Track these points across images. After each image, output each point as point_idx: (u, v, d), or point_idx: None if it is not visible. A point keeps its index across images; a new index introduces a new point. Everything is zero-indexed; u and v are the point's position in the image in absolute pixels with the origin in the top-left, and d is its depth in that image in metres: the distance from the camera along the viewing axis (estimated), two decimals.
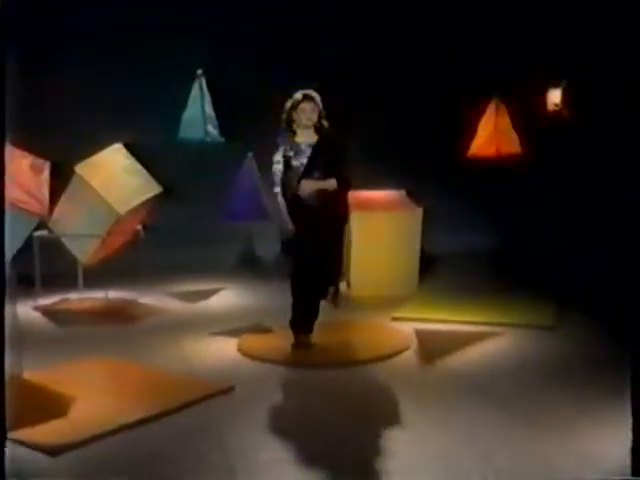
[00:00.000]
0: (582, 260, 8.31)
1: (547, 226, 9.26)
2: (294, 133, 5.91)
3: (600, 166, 8.50)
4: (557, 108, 9.74)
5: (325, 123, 5.94)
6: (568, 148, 9.02)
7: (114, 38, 8.88)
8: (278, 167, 5.85)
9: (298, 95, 5.90)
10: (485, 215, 9.55)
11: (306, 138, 5.91)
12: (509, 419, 4.56)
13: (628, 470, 3.46)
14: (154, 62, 8.93)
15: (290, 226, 5.80)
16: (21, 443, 4.20)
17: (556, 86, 9.58)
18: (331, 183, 5.84)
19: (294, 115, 5.89)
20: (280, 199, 5.83)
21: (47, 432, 4.36)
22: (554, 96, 9.73)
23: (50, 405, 4.80)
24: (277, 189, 5.85)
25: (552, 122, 9.40)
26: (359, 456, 4.12)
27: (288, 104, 5.92)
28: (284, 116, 5.92)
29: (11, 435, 4.23)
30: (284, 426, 4.58)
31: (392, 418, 4.65)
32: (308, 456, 4.11)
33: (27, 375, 5.22)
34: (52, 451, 4.12)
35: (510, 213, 9.55)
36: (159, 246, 8.17)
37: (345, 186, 5.94)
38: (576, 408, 4.68)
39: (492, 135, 8.55)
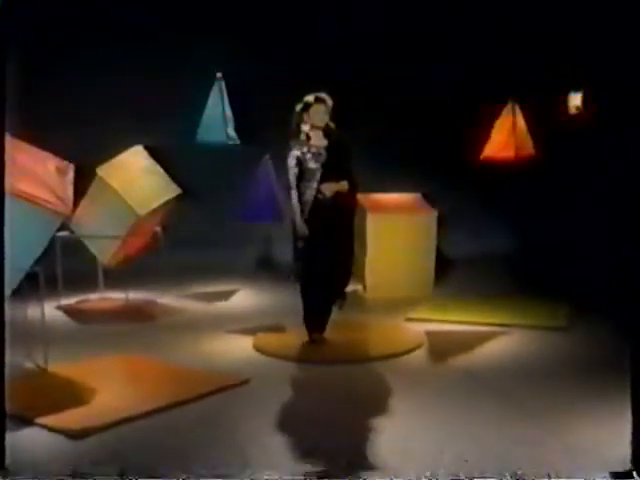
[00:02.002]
0: (597, 262, 8.56)
1: (561, 228, 9.50)
2: (307, 136, 6.24)
3: (618, 170, 8.72)
4: (578, 111, 9.97)
5: (332, 125, 6.27)
6: (586, 151, 9.24)
7: (133, 39, 9.24)
8: (294, 170, 6.18)
9: (310, 98, 6.22)
10: (500, 218, 9.81)
11: (319, 141, 6.25)
12: (520, 420, 4.74)
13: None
14: (173, 64, 9.32)
15: (305, 231, 6.14)
16: (46, 427, 4.59)
17: (577, 89, 9.81)
18: (343, 185, 6.20)
19: (305, 117, 6.21)
20: (295, 202, 6.16)
21: (70, 418, 4.74)
22: (576, 99, 9.95)
23: (73, 395, 5.18)
24: (293, 193, 6.18)
25: (573, 125, 9.62)
26: (366, 450, 4.37)
27: (298, 107, 6.24)
28: (295, 119, 6.24)
29: (37, 420, 4.66)
30: (296, 417, 4.92)
31: (400, 413, 4.95)
32: (316, 446, 4.39)
33: (51, 369, 5.63)
34: (75, 435, 4.50)
35: (524, 216, 9.84)
36: (178, 248, 8.51)
37: (355, 187, 6.29)
38: (589, 410, 4.85)
39: (509, 137, 8.63)
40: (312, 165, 6.19)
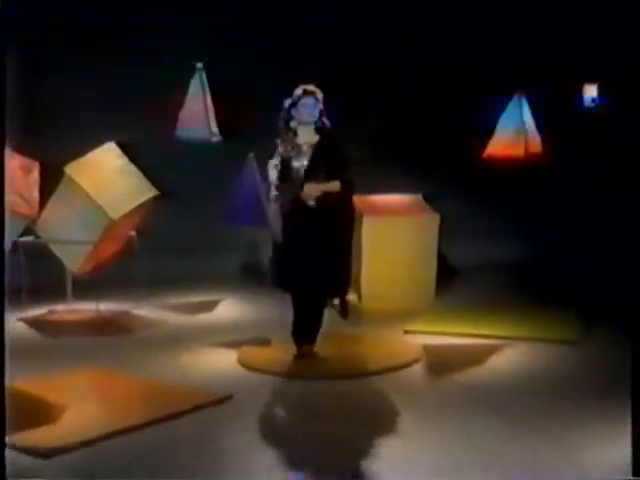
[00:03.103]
0: (614, 270, 8.69)
1: (574, 234, 9.65)
2: (294, 132, 6.38)
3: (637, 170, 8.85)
4: (594, 104, 10.10)
5: (327, 122, 6.40)
6: (602, 149, 9.39)
7: (104, 31, 9.42)
8: (275, 171, 6.35)
9: (298, 90, 6.35)
10: (507, 221, 9.98)
11: (307, 138, 6.38)
12: (526, 442, 4.83)
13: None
14: (148, 55, 9.46)
15: (278, 236, 6.30)
16: (11, 447, 4.72)
17: (592, 80, 9.94)
18: (334, 185, 6.30)
19: (294, 112, 6.35)
20: (273, 205, 6.35)
21: (36, 437, 4.88)
22: (591, 90, 10.08)
23: (40, 413, 5.32)
24: (272, 194, 6.36)
25: (588, 120, 9.77)
26: (361, 470, 4.54)
27: (287, 102, 6.38)
28: (283, 114, 6.38)
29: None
30: (282, 437, 5.08)
31: (395, 432, 5.10)
32: (304, 467, 4.55)
33: (16, 386, 5.75)
34: (42, 454, 4.65)
35: (534, 220, 10.02)
36: (154, 254, 8.60)
37: (349, 188, 6.38)
38: (602, 432, 4.91)
39: (518, 134, 8.66)
40: (295, 163, 6.32)
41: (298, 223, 6.31)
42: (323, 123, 6.41)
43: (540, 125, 8.51)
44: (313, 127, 6.39)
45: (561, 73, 9.39)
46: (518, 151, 8.57)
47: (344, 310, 6.71)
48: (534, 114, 8.57)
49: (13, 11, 3.75)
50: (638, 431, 3.91)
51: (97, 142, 8.25)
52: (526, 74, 8.87)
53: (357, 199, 8.17)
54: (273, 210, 6.35)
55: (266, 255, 9.49)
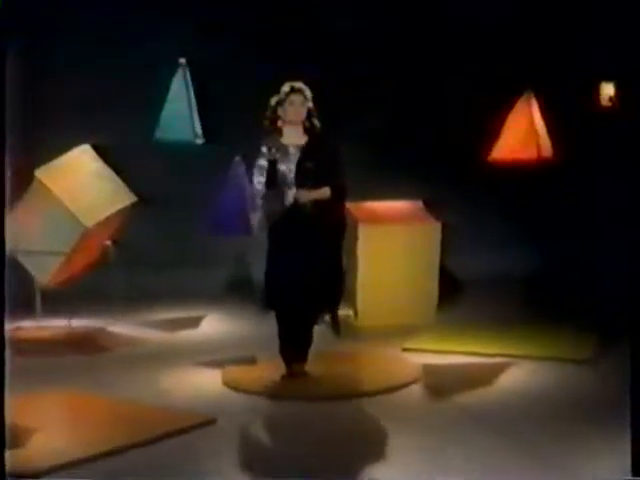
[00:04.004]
0: (631, 285, 8.76)
1: (587, 245, 9.72)
2: (280, 133, 6.48)
3: None
4: (611, 103, 10.18)
5: (316, 122, 6.50)
6: (621, 152, 9.45)
7: (78, 22, 9.48)
8: (260, 175, 6.44)
9: (285, 87, 6.44)
10: (515, 230, 10.04)
11: (294, 139, 6.48)
12: (533, 470, 4.90)
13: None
14: (125, 47, 9.56)
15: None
16: None
17: (610, 77, 10.01)
18: (324, 192, 6.39)
19: (280, 111, 6.44)
20: (259, 214, 6.46)
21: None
22: (608, 88, 10.16)
23: (6, 437, 5.38)
24: (257, 200, 6.46)
25: (605, 120, 9.84)
26: None
27: (273, 100, 6.47)
28: (268, 113, 6.48)
29: None
30: (270, 463, 5.15)
31: (392, 458, 5.18)
32: None
33: None
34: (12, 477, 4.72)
35: (543, 229, 10.07)
36: (132, 266, 8.65)
37: (340, 194, 6.48)
38: (613, 455, 4.94)
39: (528, 135, 8.66)
40: (283, 167, 6.41)
41: (285, 233, 6.40)
42: (312, 123, 6.49)
43: (551, 126, 8.55)
44: (301, 127, 6.49)
45: (575, 70, 9.47)
46: (529, 154, 8.54)
47: (336, 326, 6.78)
48: (545, 114, 8.61)
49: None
50: (638, 431, 4.10)
51: (70, 144, 8.30)
52: (536, 71, 8.94)
53: (352, 206, 8.29)
54: (256, 216, 6.47)
55: (253, 267, 9.62)
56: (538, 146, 8.45)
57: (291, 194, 6.40)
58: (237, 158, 8.27)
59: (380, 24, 9.74)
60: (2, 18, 3.91)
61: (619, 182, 9.49)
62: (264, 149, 6.48)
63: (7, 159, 5.95)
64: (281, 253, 6.42)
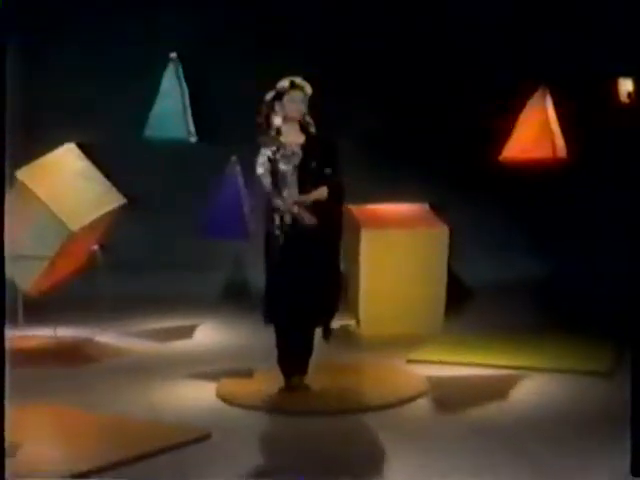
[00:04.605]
0: None
1: (604, 250, 9.73)
2: (278, 131, 6.49)
3: None
4: (629, 100, 10.20)
5: (310, 120, 6.53)
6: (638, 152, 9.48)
7: (64, 13, 9.55)
8: (266, 175, 6.44)
9: (284, 83, 6.45)
10: (527, 234, 10.10)
11: (293, 137, 6.50)
12: None
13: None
14: (113, 42, 9.59)
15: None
16: None
17: (629, 72, 10.03)
18: (321, 192, 6.42)
19: (277, 107, 6.45)
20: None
21: None
22: (626, 84, 10.18)
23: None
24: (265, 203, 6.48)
25: (622, 118, 9.84)
26: None
27: (269, 95, 6.48)
28: (264, 109, 6.49)
29: None
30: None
31: (397, 475, 5.19)
32: None
33: None
34: None
35: (558, 233, 10.10)
36: (120, 272, 8.72)
37: (337, 195, 6.50)
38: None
39: (543, 133, 8.63)
40: (283, 167, 6.44)
41: (282, 240, 6.42)
42: (306, 121, 6.53)
43: (566, 124, 8.55)
44: (298, 125, 6.52)
45: (591, 65, 9.49)
46: (543, 153, 8.50)
47: (327, 332, 6.78)
48: (559, 112, 8.60)
49: None
50: (638, 431, 4.22)
51: (54, 143, 8.31)
52: (550, 65, 8.95)
53: (354, 209, 8.34)
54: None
55: (250, 272, 9.65)
56: (553, 145, 8.44)
57: (290, 195, 6.41)
58: (233, 158, 8.30)
59: (386, 20, 9.77)
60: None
61: (636, 184, 9.58)
62: (265, 150, 6.49)
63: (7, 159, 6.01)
64: (278, 261, 6.44)
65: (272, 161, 6.46)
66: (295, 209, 6.37)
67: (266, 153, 6.49)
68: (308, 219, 6.36)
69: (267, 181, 6.46)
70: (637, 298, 4.09)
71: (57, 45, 9.60)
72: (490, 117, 8.70)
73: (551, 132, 8.44)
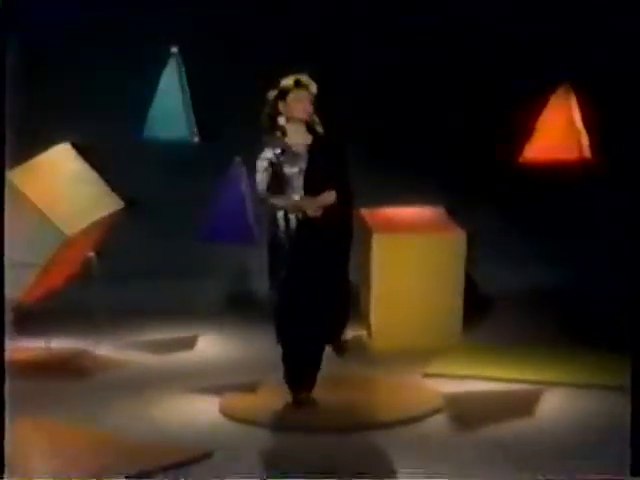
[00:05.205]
0: None
1: (631, 257, 9.69)
2: (283, 132, 6.47)
3: None
4: None
5: (317, 119, 6.51)
6: None
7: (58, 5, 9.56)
8: (263, 176, 6.42)
9: (289, 81, 6.44)
10: (549, 241, 10.03)
11: (299, 138, 6.48)
12: None
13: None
14: (111, 37, 9.59)
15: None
16: None
17: None
18: (329, 196, 6.39)
19: (281, 107, 6.44)
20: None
21: None
22: None
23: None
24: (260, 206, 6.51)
25: None
26: None
27: (272, 94, 6.47)
28: (267, 108, 6.47)
29: None
30: None
31: None
32: None
33: None
34: None
35: (583, 240, 10.01)
36: (118, 279, 8.75)
37: (347, 199, 6.48)
38: None
39: (569, 132, 8.57)
40: (288, 170, 6.41)
41: (288, 246, 6.40)
42: (314, 121, 6.51)
43: (591, 124, 8.52)
44: (304, 125, 6.50)
45: (618, 60, 9.45)
46: (567, 154, 8.45)
47: (340, 346, 6.75)
48: (584, 110, 8.57)
49: None
50: (638, 431, 4.30)
51: (48, 143, 8.31)
52: (574, 61, 8.93)
53: (365, 213, 8.34)
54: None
55: (255, 279, 9.63)
56: (579, 145, 8.38)
57: (297, 199, 6.40)
58: (237, 158, 8.31)
59: (399, 17, 9.78)
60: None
61: None
62: (268, 151, 6.46)
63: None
64: (284, 270, 6.41)
65: (276, 164, 6.43)
66: (310, 212, 6.33)
67: (267, 156, 6.46)
68: (312, 212, 6.32)
69: (263, 187, 6.43)
70: None
71: (55, 41, 9.58)
72: (509, 117, 8.67)
73: (577, 131, 8.40)
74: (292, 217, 6.38)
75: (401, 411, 6.57)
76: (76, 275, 8.53)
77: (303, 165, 6.43)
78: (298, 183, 6.43)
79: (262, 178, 6.44)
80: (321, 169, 6.40)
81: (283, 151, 6.45)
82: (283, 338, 6.52)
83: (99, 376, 7.75)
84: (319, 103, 6.49)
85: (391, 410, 6.66)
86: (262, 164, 6.45)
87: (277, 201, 6.41)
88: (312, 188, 6.40)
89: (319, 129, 6.53)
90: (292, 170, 6.44)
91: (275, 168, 6.43)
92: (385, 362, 7.89)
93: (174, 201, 9.59)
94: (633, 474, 4.09)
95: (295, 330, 6.44)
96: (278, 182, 6.43)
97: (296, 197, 6.40)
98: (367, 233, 8.30)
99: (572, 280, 9.98)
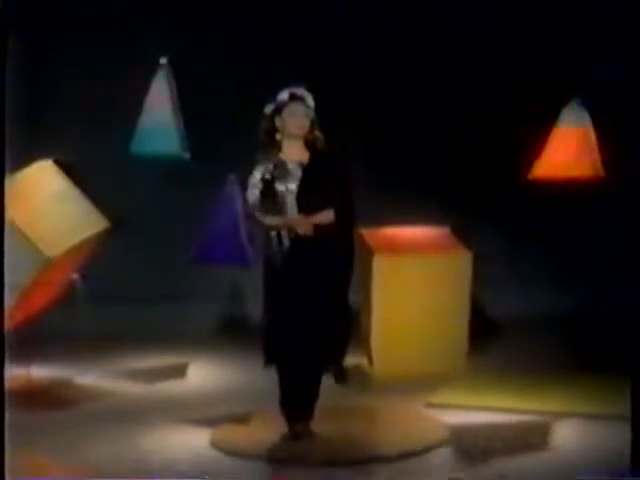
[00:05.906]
0: None
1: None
2: (278, 147, 6.49)
3: None
4: None
5: (319, 135, 6.52)
6: None
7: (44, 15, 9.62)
8: (254, 193, 6.45)
9: (284, 95, 6.47)
10: (559, 263, 10.12)
11: (294, 154, 6.49)
12: None
13: None
14: (96, 48, 9.63)
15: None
16: None
17: None
18: (326, 215, 6.40)
19: (277, 122, 6.46)
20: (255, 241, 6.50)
21: None
22: None
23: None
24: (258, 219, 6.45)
25: None
26: None
27: (269, 108, 6.50)
28: (263, 124, 6.50)
29: None
30: None
31: None
32: None
33: None
34: None
35: (595, 262, 10.11)
36: (103, 304, 8.77)
37: (347, 219, 6.48)
38: None
39: (581, 149, 8.57)
40: (281, 187, 6.43)
41: (283, 268, 6.41)
42: (314, 136, 6.53)
43: (603, 141, 8.55)
44: (302, 141, 6.51)
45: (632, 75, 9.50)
46: (579, 171, 8.42)
47: (340, 375, 6.76)
48: (597, 126, 8.61)
49: None
50: (638, 430, 4.47)
51: (28, 159, 8.30)
52: (585, 75, 8.98)
53: (366, 233, 8.35)
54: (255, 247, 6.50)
55: (248, 303, 9.66)
56: (592, 162, 8.38)
57: (288, 217, 6.41)
58: (231, 176, 8.33)
59: (407, 29, 9.83)
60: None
61: None
62: (261, 168, 6.48)
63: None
64: (280, 292, 6.42)
65: (268, 181, 6.45)
66: (300, 231, 6.34)
67: (259, 172, 6.49)
68: (303, 230, 6.33)
69: (253, 204, 6.46)
70: None
71: (39, 54, 9.63)
72: (519, 132, 8.69)
73: (590, 148, 8.43)
74: (285, 236, 6.40)
75: (403, 444, 6.55)
76: (58, 299, 8.50)
77: (296, 182, 6.44)
78: (291, 201, 6.44)
79: (252, 194, 6.47)
80: (318, 187, 6.41)
81: (276, 167, 6.47)
82: (279, 364, 6.52)
83: (83, 407, 7.73)
84: (320, 119, 6.51)
85: (393, 442, 6.65)
86: (253, 180, 6.49)
87: (268, 219, 6.43)
88: (306, 206, 6.41)
89: (320, 145, 6.54)
90: (285, 187, 6.45)
91: (267, 185, 6.45)
92: (387, 391, 7.89)
93: (162, 221, 9.60)
94: (634, 474, 4.21)
95: (291, 356, 6.43)
96: (271, 199, 6.45)
97: (289, 215, 6.42)
98: (368, 254, 8.31)
99: (585, 302, 10.01)
